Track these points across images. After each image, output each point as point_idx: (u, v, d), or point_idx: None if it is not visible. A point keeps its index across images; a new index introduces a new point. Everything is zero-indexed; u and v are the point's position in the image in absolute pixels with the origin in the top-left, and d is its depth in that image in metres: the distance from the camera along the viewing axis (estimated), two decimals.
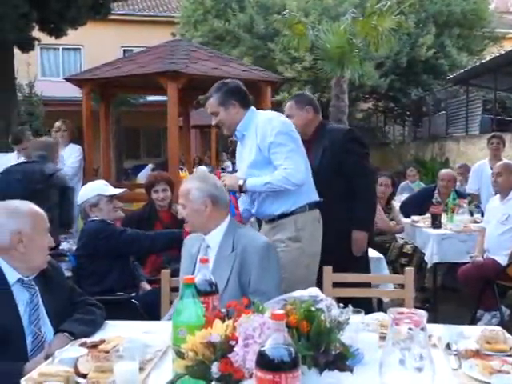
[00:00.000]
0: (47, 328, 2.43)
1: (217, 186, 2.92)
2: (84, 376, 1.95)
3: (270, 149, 3.33)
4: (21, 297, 2.39)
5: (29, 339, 2.34)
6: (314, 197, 3.49)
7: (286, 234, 3.37)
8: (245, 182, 3.37)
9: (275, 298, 2.29)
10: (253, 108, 3.52)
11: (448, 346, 2.22)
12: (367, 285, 3.63)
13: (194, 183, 2.87)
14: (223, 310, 1.90)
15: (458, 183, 7.30)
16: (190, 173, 10.00)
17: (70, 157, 6.93)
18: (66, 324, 2.44)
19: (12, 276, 2.38)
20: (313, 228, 3.45)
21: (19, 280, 2.40)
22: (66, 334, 2.37)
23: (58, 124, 7.04)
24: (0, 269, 2.38)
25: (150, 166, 11.02)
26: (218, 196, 2.87)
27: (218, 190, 2.89)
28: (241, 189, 3.37)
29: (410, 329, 1.60)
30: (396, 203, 6.87)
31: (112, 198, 3.96)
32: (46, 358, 2.21)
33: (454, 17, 17.15)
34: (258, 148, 3.36)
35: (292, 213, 3.40)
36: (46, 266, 2.50)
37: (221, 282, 2.68)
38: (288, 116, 4.06)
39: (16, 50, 10.90)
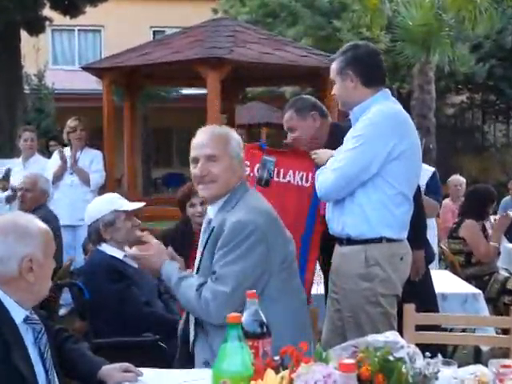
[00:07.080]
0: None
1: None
2: None
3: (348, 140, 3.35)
4: (28, 337, 2.40)
5: None
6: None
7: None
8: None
9: (229, 285, 2.51)
10: (385, 92, 3.41)
11: None
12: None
13: (232, 130, 2.89)
14: (277, 358, 1.90)
15: None
16: None
17: (91, 164, 7.04)
18: (94, 359, 2.62)
19: (18, 314, 2.38)
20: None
21: (26, 318, 2.40)
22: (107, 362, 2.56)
23: (72, 123, 7.14)
24: (4, 308, 2.36)
25: None
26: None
27: None
28: None
29: None
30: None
31: (130, 214, 3.97)
32: None
33: None
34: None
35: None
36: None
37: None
38: (290, 129, 3.99)
39: (23, 33, 11.18)
